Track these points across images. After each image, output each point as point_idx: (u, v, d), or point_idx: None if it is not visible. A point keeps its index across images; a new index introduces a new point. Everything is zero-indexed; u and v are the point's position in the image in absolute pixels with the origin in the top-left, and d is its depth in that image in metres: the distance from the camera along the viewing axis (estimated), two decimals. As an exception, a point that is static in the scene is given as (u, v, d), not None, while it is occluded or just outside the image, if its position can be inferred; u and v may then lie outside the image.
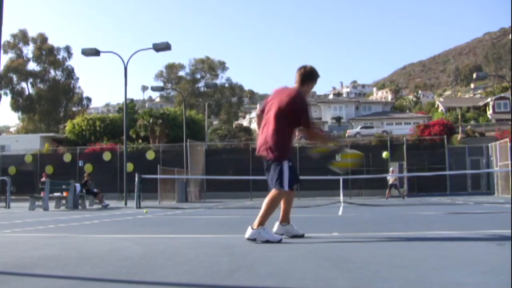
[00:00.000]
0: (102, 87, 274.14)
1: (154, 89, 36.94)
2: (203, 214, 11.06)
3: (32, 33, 71.27)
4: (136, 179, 15.86)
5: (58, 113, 64.80)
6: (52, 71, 65.16)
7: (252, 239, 4.37)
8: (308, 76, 4.66)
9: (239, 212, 12.18)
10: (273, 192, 4.50)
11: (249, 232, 4.42)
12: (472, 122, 55.64)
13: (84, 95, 67.78)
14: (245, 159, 30.17)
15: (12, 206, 17.04)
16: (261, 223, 4.41)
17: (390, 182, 24.35)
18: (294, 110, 4.46)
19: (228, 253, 3.73)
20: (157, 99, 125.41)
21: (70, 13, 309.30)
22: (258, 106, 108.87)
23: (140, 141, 40.91)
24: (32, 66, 65.05)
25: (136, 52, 21.50)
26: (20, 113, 64.60)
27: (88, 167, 30.61)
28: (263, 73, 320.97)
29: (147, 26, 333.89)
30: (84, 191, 16.50)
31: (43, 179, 19.98)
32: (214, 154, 33.48)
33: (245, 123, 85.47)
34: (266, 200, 4.50)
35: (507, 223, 6.28)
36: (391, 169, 25.48)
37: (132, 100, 67.24)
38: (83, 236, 5.61)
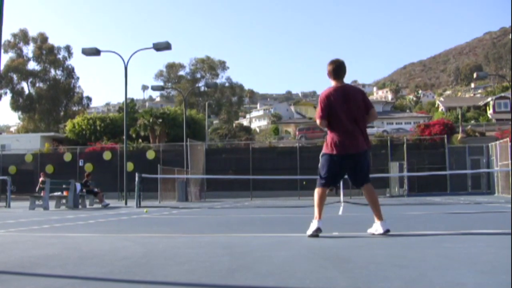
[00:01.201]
0: (103, 87, 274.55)
1: (154, 88, 36.86)
2: (203, 214, 11.06)
3: (32, 32, 71.48)
4: (136, 178, 15.85)
5: (58, 112, 64.78)
6: (52, 71, 65.16)
7: (388, 231, 4.76)
8: (345, 70, 5.06)
9: (239, 211, 12.18)
10: (370, 186, 4.93)
11: (380, 227, 4.80)
12: (473, 121, 55.62)
13: (84, 94, 67.74)
14: (245, 159, 30.18)
15: (12, 205, 17.04)
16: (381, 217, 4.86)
17: None
18: (368, 104, 4.95)
19: (228, 253, 3.73)
20: (158, 99, 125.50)
21: (71, 12, 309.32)
22: (258, 105, 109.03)
23: (140, 140, 40.89)
24: (32, 65, 65.12)
25: (136, 51, 21.51)
26: (20, 113, 64.61)
27: (89, 167, 30.63)
28: (263, 73, 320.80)
29: (147, 25, 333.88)
30: (84, 190, 16.50)
31: (41, 178, 19.96)
32: (214, 153, 33.47)
33: (245, 122, 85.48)
34: (374, 196, 4.92)
35: (507, 223, 6.28)
36: None
37: (132, 100, 67.15)
38: (83, 236, 5.62)
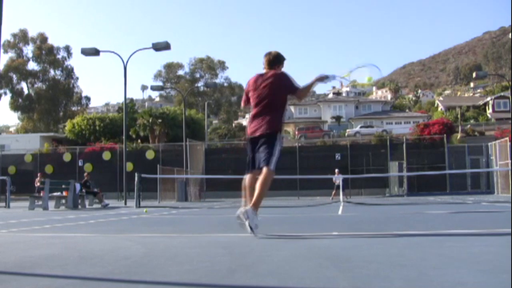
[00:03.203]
0: (102, 87, 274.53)
1: (153, 88, 36.92)
2: (203, 214, 11.05)
3: (32, 32, 71.43)
4: (136, 178, 15.86)
5: (58, 112, 64.83)
6: (51, 71, 65.22)
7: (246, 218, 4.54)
8: (276, 60, 5.06)
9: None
10: (266, 170, 4.76)
11: (247, 214, 4.58)
12: (472, 121, 55.68)
13: (84, 94, 67.95)
14: (245, 159, 30.13)
15: (12, 205, 17.03)
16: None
17: (336, 183, 22.91)
18: (284, 85, 4.91)
19: (229, 253, 3.73)
20: (157, 99, 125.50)
21: (70, 12, 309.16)
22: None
23: (139, 140, 40.91)
24: (32, 65, 65.17)
25: (135, 51, 21.52)
26: (19, 113, 64.63)
27: (88, 167, 30.64)
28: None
29: (147, 25, 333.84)
30: (84, 190, 16.49)
31: (38, 178, 19.93)
32: (214, 153, 33.49)
33: (244, 122, 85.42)
34: (263, 181, 4.72)
35: (507, 222, 6.28)
36: (336, 170, 23.72)
37: (131, 100, 67.21)
38: (83, 236, 5.61)
